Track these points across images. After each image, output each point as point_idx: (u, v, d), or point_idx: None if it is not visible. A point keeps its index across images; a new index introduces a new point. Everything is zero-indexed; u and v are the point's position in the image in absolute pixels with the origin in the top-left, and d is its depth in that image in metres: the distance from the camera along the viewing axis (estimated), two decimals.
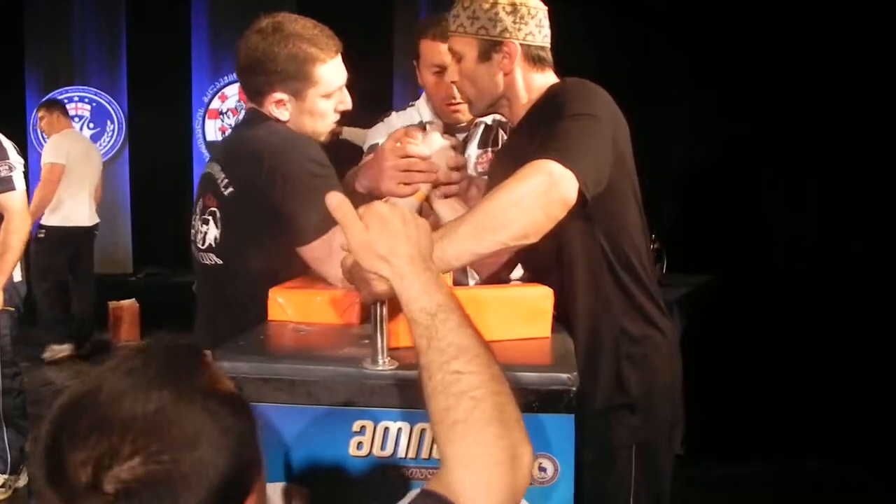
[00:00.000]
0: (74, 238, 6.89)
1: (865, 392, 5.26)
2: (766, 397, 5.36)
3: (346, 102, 2.17)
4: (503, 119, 2.67)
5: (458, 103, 2.55)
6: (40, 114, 6.93)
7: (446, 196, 2.10)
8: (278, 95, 2.09)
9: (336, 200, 1.30)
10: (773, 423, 4.97)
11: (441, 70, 2.55)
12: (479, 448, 1.10)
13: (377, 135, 2.69)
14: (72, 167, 6.71)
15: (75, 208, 6.84)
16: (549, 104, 1.96)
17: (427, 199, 2.09)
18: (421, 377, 1.18)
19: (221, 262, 2.07)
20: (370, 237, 1.26)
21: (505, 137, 2.70)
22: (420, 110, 2.73)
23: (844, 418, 4.93)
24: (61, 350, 6.87)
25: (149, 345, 1.01)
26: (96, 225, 7.14)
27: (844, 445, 4.61)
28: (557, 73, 2.08)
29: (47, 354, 6.78)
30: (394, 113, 2.78)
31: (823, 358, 5.85)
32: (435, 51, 2.55)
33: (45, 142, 7.04)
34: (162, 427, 0.90)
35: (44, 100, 7.20)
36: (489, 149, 2.69)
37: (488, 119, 2.69)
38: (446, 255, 1.55)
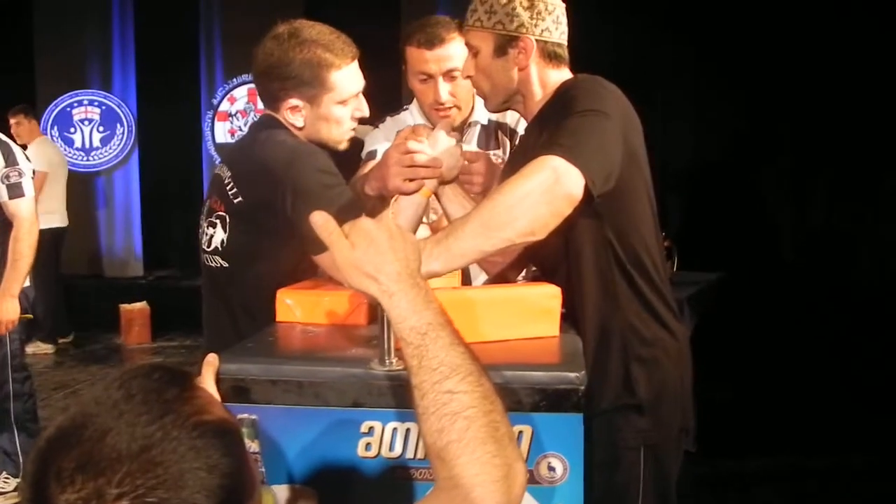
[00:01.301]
0: (56, 239, 7.10)
1: (877, 387, 5.24)
2: (777, 394, 5.35)
3: (363, 109, 2.17)
4: (500, 120, 2.67)
5: (447, 108, 2.55)
6: (16, 120, 6.98)
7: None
8: (293, 101, 2.09)
9: (320, 219, 1.29)
10: (784, 420, 4.96)
11: (427, 78, 2.54)
12: (474, 467, 1.09)
13: (374, 141, 2.69)
14: (51, 173, 6.95)
15: (57, 211, 7.09)
16: (559, 101, 1.95)
17: (436, 195, 2.09)
18: (412, 397, 1.17)
19: (227, 265, 2.08)
20: (356, 255, 1.25)
21: (504, 139, 2.69)
22: (413, 114, 2.72)
23: (856, 414, 4.92)
24: (45, 348, 7.15)
25: (135, 373, 0.99)
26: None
27: (856, 441, 4.59)
28: (572, 70, 2.07)
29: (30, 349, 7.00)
30: (388, 118, 2.78)
31: (834, 354, 5.84)
32: (420, 59, 2.52)
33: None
34: (147, 468, 0.90)
35: (18, 106, 7.12)
36: (490, 152, 2.68)
37: (483, 119, 2.68)
38: (452, 253, 1.55)
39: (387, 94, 2.73)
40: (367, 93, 2.19)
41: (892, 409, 4.88)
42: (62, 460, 0.90)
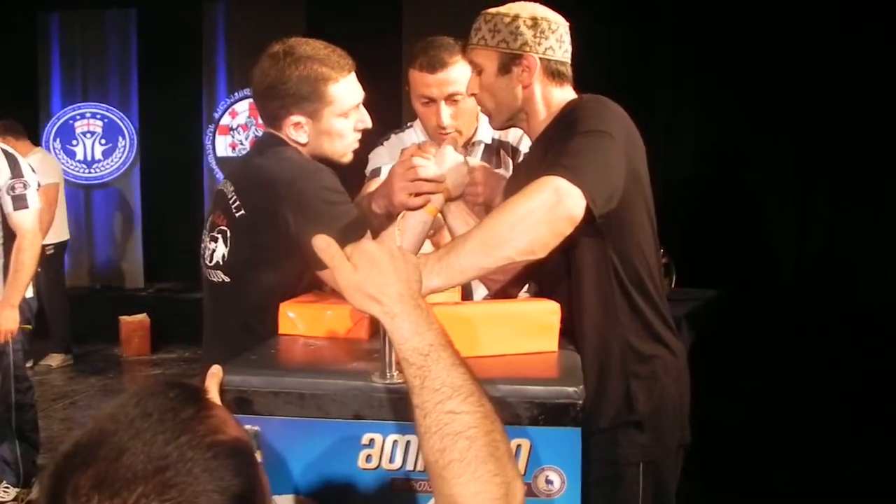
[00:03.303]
0: (63, 251, 7.20)
1: (877, 405, 5.24)
2: (775, 411, 5.36)
3: (366, 121, 2.18)
4: (503, 139, 2.69)
5: (448, 132, 2.55)
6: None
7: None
8: (295, 118, 2.10)
9: (323, 243, 1.32)
10: (782, 437, 4.96)
11: (429, 101, 2.55)
12: (475, 486, 1.13)
13: (378, 158, 2.70)
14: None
15: (58, 224, 6.88)
16: (564, 121, 1.97)
17: (441, 213, 2.11)
18: (415, 416, 1.21)
19: (228, 279, 2.10)
20: (359, 278, 1.28)
21: (506, 157, 2.71)
22: (417, 131, 2.74)
23: (855, 432, 4.92)
24: (61, 358, 7.18)
25: (151, 390, 1.01)
26: None
27: (855, 459, 4.59)
28: (576, 88, 2.09)
29: (54, 363, 7.12)
30: (393, 135, 2.79)
31: (833, 371, 5.84)
32: (423, 82, 2.53)
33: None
34: (162, 490, 0.92)
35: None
36: (496, 170, 2.70)
37: (487, 139, 2.70)
38: (453, 269, 1.56)
39: (388, 108, 2.75)
40: (368, 107, 2.20)
41: (892, 427, 4.88)
42: (79, 477, 0.92)
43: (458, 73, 2.48)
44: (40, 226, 6.51)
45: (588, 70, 2.34)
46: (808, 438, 4.90)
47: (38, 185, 4.04)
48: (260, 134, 2.31)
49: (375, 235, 2.07)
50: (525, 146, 2.59)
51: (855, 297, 6.71)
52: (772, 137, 6.96)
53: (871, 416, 5.14)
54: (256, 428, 1.45)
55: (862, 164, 6.70)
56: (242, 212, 2.04)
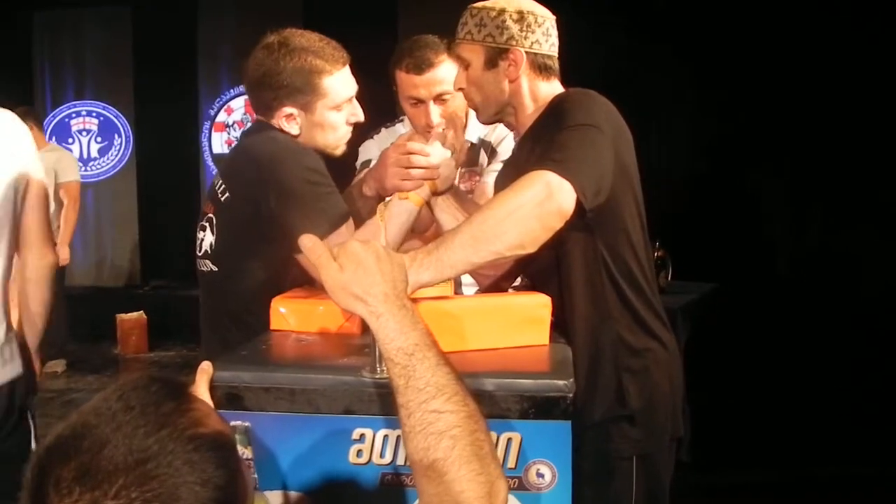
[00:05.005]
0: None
1: (872, 399, 5.25)
2: (771, 405, 5.36)
3: (358, 114, 2.18)
4: (486, 138, 2.69)
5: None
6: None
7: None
8: (287, 110, 2.10)
9: (309, 242, 1.33)
10: (778, 432, 4.96)
11: (418, 102, 2.55)
12: (459, 485, 1.14)
13: (368, 151, 2.70)
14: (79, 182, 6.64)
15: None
16: (551, 114, 1.97)
17: (428, 205, 2.11)
18: (399, 415, 1.21)
19: (216, 268, 2.09)
20: (345, 278, 1.29)
21: (484, 156, 2.71)
22: (406, 125, 2.73)
23: (851, 425, 4.93)
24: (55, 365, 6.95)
25: (133, 384, 1.02)
26: None
27: (851, 453, 4.60)
28: (563, 82, 2.09)
29: (59, 369, 6.91)
30: (383, 129, 2.79)
31: (829, 365, 5.85)
32: (410, 84, 2.54)
33: None
34: (143, 481, 0.92)
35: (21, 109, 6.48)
36: (475, 168, 2.70)
37: (474, 138, 2.70)
38: (442, 264, 1.56)
39: (383, 104, 2.73)
40: (363, 102, 2.20)
41: (887, 421, 4.89)
42: (61, 470, 0.93)
43: (445, 73, 2.48)
44: (67, 224, 6.48)
45: (584, 67, 2.34)
46: (803, 432, 4.90)
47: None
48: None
49: (366, 219, 2.07)
50: (504, 148, 2.60)
51: (850, 289, 6.72)
52: (768, 132, 6.97)
53: (867, 409, 5.14)
54: (247, 424, 1.45)
55: (856, 160, 6.71)
56: (227, 195, 2.04)
